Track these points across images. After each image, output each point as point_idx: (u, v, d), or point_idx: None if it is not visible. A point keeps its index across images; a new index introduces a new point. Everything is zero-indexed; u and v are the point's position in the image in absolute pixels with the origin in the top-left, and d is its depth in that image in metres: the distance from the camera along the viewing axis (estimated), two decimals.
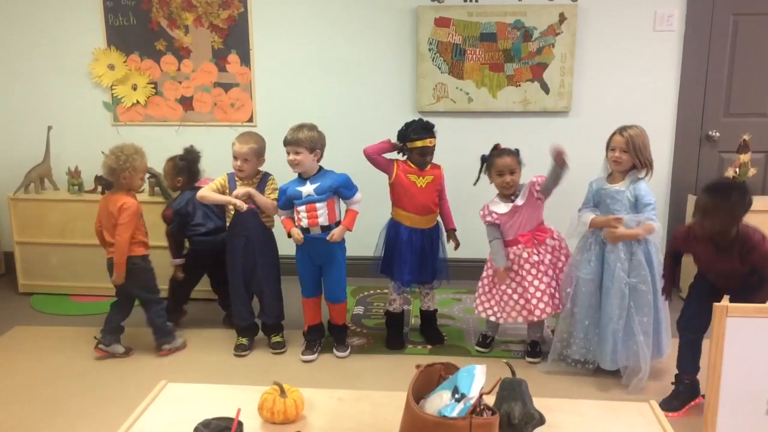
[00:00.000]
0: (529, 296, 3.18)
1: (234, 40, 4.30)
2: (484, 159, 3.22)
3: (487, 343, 3.45)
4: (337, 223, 3.22)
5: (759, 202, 3.96)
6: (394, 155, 3.40)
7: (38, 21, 4.36)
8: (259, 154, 3.30)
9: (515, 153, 3.18)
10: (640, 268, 2.94)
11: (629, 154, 2.94)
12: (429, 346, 3.51)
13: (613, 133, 3.01)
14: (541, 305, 3.16)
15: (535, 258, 3.19)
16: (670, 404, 2.82)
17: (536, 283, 3.17)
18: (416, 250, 3.36)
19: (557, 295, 3.20)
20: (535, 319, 3.20)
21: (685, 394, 2.85)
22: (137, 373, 3.20)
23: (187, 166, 3.66)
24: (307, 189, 3.17)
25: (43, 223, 4.14)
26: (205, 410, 1.60)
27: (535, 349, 3.32)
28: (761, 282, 2.62)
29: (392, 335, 3.53)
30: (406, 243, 3.36)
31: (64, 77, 4.43)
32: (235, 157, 3.26)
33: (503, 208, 3.20)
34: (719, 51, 4.14)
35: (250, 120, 4.40)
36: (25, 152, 4.32)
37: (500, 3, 4.11)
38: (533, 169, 3.21)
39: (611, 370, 3.07)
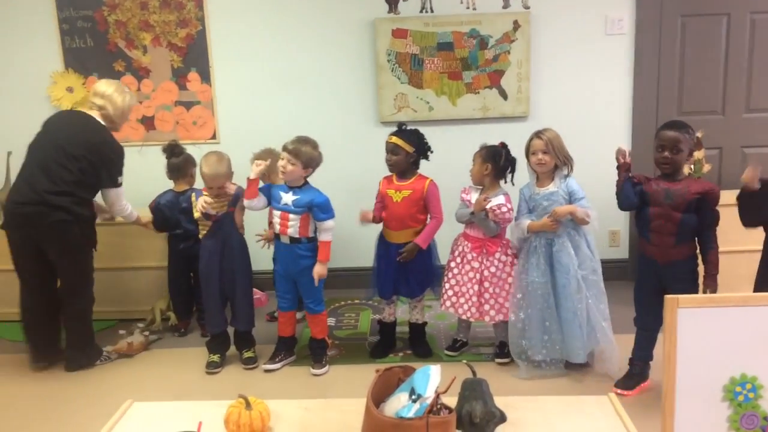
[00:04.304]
0: (459, 294, 3.31)
1: (193, 58, 4.31)
2: None
3: (457, 347, 3.49)
4: (309, 239, 3.22)
5: (725, 196, 4.08)
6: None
7: None
8: (229, 175, 3.31)
9: (481, 150, 3.28)
10: (587, 260, 3.09)
11: (550, 154, 3.06)
12: (401, 354, 3.53)
13: (530, 138, 3.14)
14: (462, 309, 3.30)
15: (476, 265, 3.26)
16: (625, 384, 3.03)
17: (469, 286, 3.27)
18: (392, 264, 3.36)
19: (487, 307, 3.27)
20: (470, 319, 3.35)
21: (638, 376, 3.06)
22: (107, 395, 3.16)
23: (170, 163, 3.78)
24: (288, 198, 3.18)
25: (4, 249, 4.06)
26: (170, 427, 1.61)
27: (503, 350, 3.36)
28: (708, 232, 2.87)
29: (378, 344, 3.55)
30: (382, 256, 3.40)
31: (23, 102, 4.38)
32: (210, 186, 3.26)
33: (475, 197, 3.29)
34: (669, 51, 4.26)
35: (213, 137, 4.40)
36: None
37: (455, 13, 4.19)
38: None
39: (582, 362, 3.16)
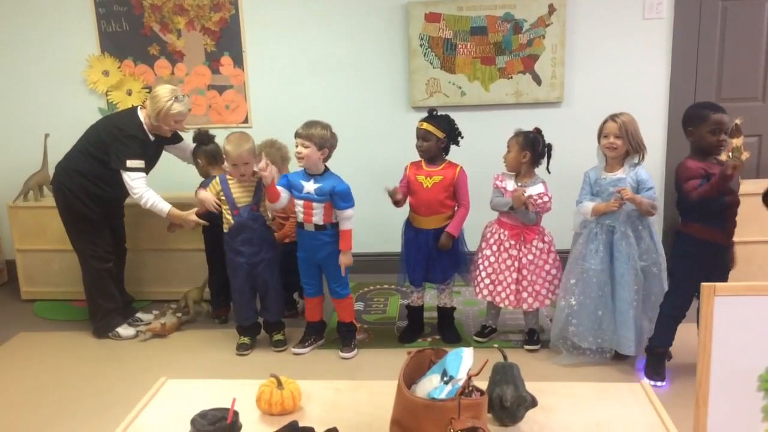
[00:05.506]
0: (496, 282, 3.29)
1: (226, 42, 4.33)
2: None
3: (486, 333, 3.49)
4: (333, 225, 3.22)
5: (754, 185, 4.01)
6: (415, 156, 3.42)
7: (32, 30, 4.40)
8: (254, 152, 3.30)
9: (518, 136, 3.22)
10: (650, 252, 3.02)
11: (623, 139, 2.97)
12: (429, 339, 3.53)
13: (605, 121, 3.05)
14: (500, 297, 3.28)
15: (514, 252, 3.23)
16: (658, 372, 2.98)
17: (507, 274, 3.25)
18: (422, 250, 3.36)
19: (525, 295, 3.24)
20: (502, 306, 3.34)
21: (663, 363, 3.02)
22: (140, 373, 3.24)
23: (200, 149, 3.75)
24: (309, 186, 3.17)
25: (43, 231, 4.17)
26: (203, 404, 1.62)
27: (533, 337, 3.35)
28: None
29: (407, 328, 3.56)
30: (411, 242, 3.39)
31: (59, 85, 4.46)
32: (235, 164, 3.23)
33: (510, 184, 3.25)
34: (709, 37, 4.16)
35: (246, 121, 4.43)
36: (23, 160, 4.36)
37: None
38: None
39: (632, 355, 3.10)
